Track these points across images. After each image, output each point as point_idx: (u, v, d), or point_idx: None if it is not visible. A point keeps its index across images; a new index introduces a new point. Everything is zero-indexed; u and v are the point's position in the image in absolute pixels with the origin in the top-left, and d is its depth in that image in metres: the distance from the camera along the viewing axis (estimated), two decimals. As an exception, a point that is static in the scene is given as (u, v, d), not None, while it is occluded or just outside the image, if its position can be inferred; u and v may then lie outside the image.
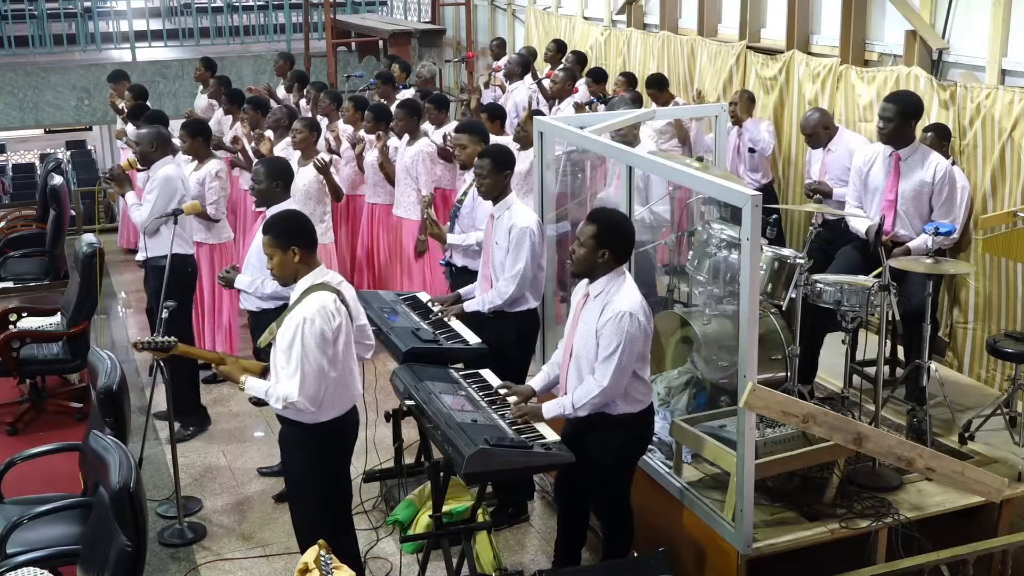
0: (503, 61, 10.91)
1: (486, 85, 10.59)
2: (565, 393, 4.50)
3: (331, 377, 4.26)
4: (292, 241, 4.34)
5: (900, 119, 5.60)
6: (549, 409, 4.49)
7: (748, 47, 8.50)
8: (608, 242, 4.34)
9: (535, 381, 4.77)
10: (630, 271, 4.58)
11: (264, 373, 4.47)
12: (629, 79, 9.16)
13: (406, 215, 7.56)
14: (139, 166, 6.73)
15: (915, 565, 4.39)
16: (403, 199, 7.55)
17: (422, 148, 7.43)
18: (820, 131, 6.94)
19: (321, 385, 4.22)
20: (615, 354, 4.25)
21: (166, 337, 4.89)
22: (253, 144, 7.96)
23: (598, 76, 9.48)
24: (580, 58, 10.27)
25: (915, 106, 5.73)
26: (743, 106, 7.81)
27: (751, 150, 7.76)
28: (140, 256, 6.60)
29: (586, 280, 4.47)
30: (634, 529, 4.71)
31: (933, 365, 5.45)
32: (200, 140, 6.98)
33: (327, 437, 4.37)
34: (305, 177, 7.06)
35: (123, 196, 6.67)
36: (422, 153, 7.40)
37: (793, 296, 5.08)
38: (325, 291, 4.27)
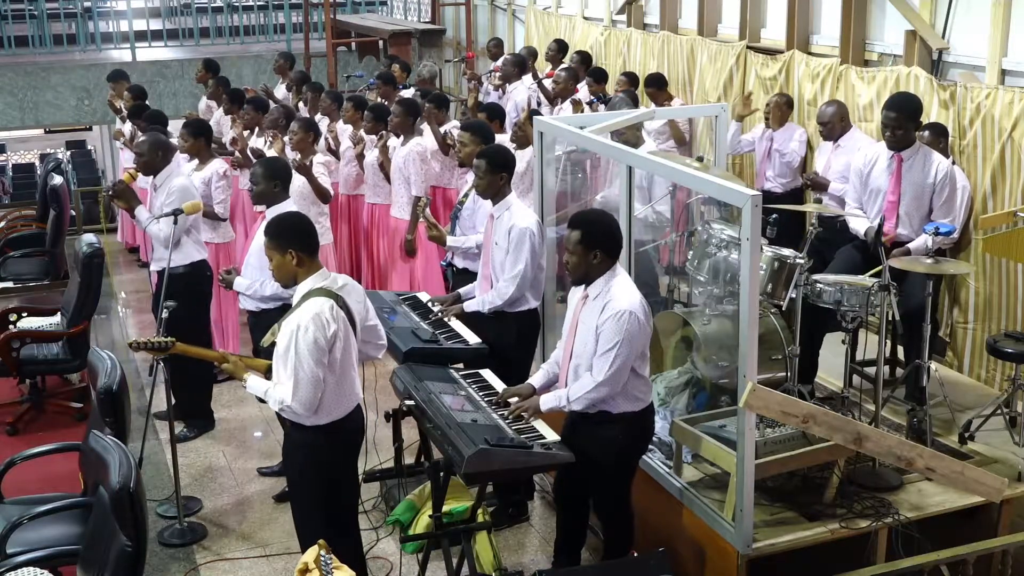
0: (500, 62, 10.89)
1: (496, 88, 10.54)
2: (565, 392, 4.51)
3: (328, 383, 4.24)
4: (289, 244, 4.32)
5: (910, 124, 5.61)
6: (546, 401, 4.51)
7: (748, 47, 8.48)
8: (597, 242, 4.34)
9: (535, 379, 4.78)
10: (630, 271, 4.57)
11: (269, 371, 4.47)
12: (631, 79, 9.14)
13: (399, 215, 7.57)
14: (141, 174, 6.39)
15: (915, 565, 4.39)
16: (397, 199, 7.55)
17: (412, 148, 7.42)
18: (836, 122, 6.94)
19: (316, 391, 4.20)
20: (613, 350, 4.26)
21: (163, 337, 4.89)
22: (267, 144, 7.94)
23: (599, 76, 9.47)
24: (584, 58, 10.23)
25: (918, 108, 5.73)
26: (774, 116, 7.61)
27: (780, 153, 7.67)
28: (157, 267, 6.32)
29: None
30: (634, 529, 4.71)
31: (933, 365, 5.44)
32: (202, 140, 6.96)
33: (327, 439, 4.36)
34: (301, 178, 7.05)
35: (132, 212, 6.34)
36: (412, 153, 7.38)
37: (793, 296, 5.08)
38: (323, 296, 4.25)
